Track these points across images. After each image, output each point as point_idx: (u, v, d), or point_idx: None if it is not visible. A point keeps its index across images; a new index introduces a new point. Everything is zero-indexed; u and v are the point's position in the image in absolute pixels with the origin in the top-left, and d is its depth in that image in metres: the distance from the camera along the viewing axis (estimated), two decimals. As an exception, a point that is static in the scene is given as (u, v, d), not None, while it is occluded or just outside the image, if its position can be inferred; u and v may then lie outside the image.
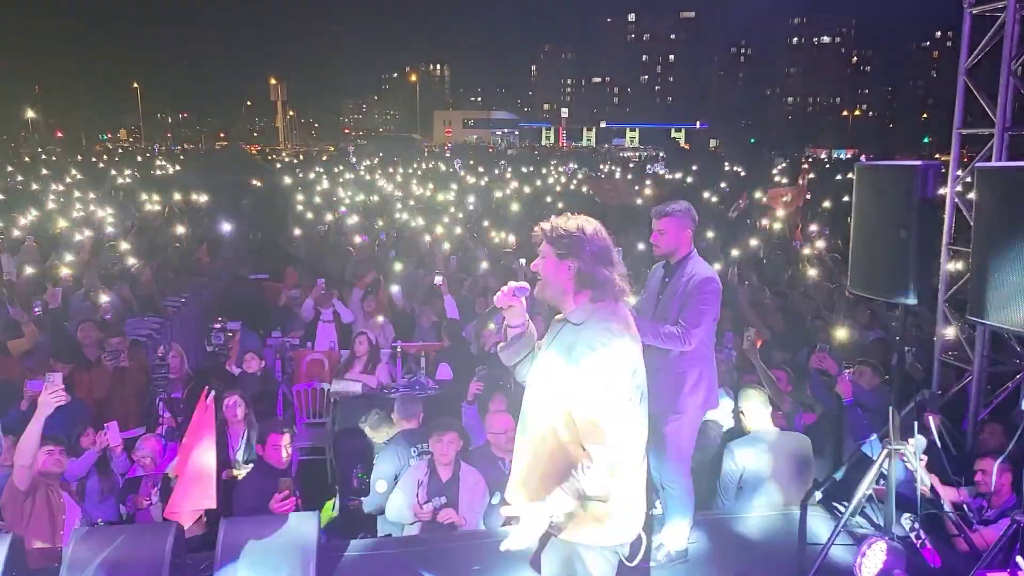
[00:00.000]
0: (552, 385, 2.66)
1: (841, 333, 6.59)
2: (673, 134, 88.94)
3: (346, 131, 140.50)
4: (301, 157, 51.73)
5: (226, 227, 13.86)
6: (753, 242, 11.99)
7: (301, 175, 28.70)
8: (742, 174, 31.93)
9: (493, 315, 2.80)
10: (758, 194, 16.91)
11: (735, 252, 10.62)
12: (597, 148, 79.33)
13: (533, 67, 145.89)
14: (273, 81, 78.45)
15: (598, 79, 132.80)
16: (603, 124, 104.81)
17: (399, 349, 8.14)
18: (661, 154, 55.02)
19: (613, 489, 2.58)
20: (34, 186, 22.24)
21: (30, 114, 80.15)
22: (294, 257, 12.28)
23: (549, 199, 20.07)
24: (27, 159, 41.54)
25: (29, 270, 9.29)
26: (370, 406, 6.54)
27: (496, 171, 33.37)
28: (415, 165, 39.21)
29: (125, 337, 6.62)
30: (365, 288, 9.25)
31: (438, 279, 9.04)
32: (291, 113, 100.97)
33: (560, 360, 2.63)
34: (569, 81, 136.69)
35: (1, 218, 13.92)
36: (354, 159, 45.60)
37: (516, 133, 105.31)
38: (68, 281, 8.71)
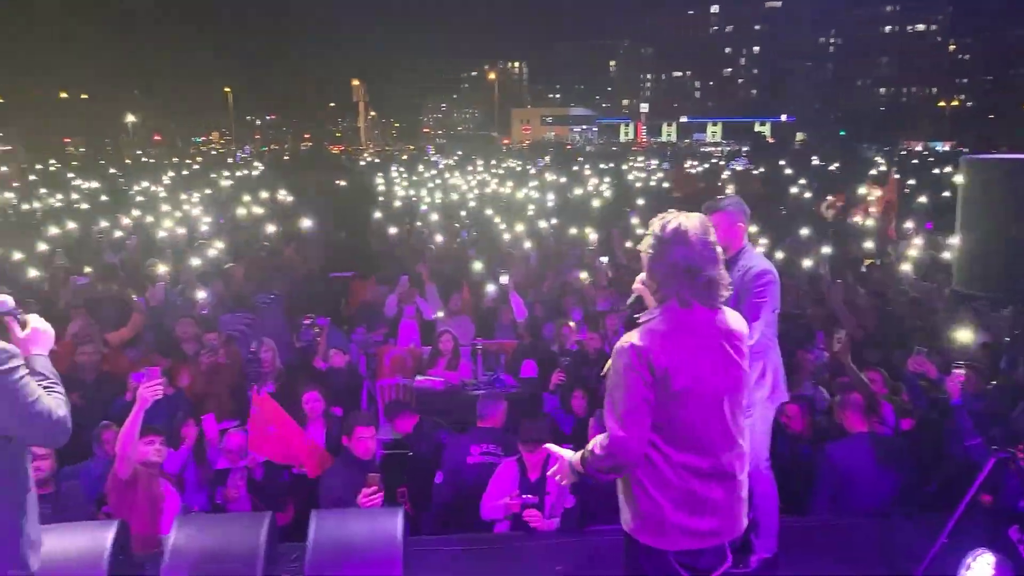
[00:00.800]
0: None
1: (964, 335, 6.17)
2: (757, 128, 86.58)
3: (426, 130, 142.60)
4: (379, 159, 52.79)
5: (312, 226, 14.26)
6: (862, 242, 11.61)
7: (382, 175, 29.25)
8: (831, 168, 30.87)
9: (636, 304, 2.77)
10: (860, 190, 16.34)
11: (826, 250, 10.28)
12: (677, 143, 78.11)
13: (612, 63, 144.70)
14: (355, 83, 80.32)
15: (679, 73, 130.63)
16: (683, 119, 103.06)
17: (479, 347, 8.21)
18: (744, 148, 53.71)
19: (610, 471, 2.62)
20: (135, 187, 23.37)
21: (131, 118, 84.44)
22: (377, 255, 12.55)
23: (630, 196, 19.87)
24: (128, 161, 43.71)
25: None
26: (451, 402, 6.63)
27: (575, 167, 33.22)
28: (494, 163, 39.46)
29: (220, 332, 6.88)
30: (446, 286, 9.38)
31: (504, 278, 9.02)
32: (372, 114, 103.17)
33: None
34: (649, 76, 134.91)
35: (106, 218, 14.69)
36: (434, 158, 46.25)
37: (594, 129, 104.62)
38: (166, 278, 9.11)
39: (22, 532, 2.51)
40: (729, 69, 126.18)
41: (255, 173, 30.93)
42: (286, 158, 47.71)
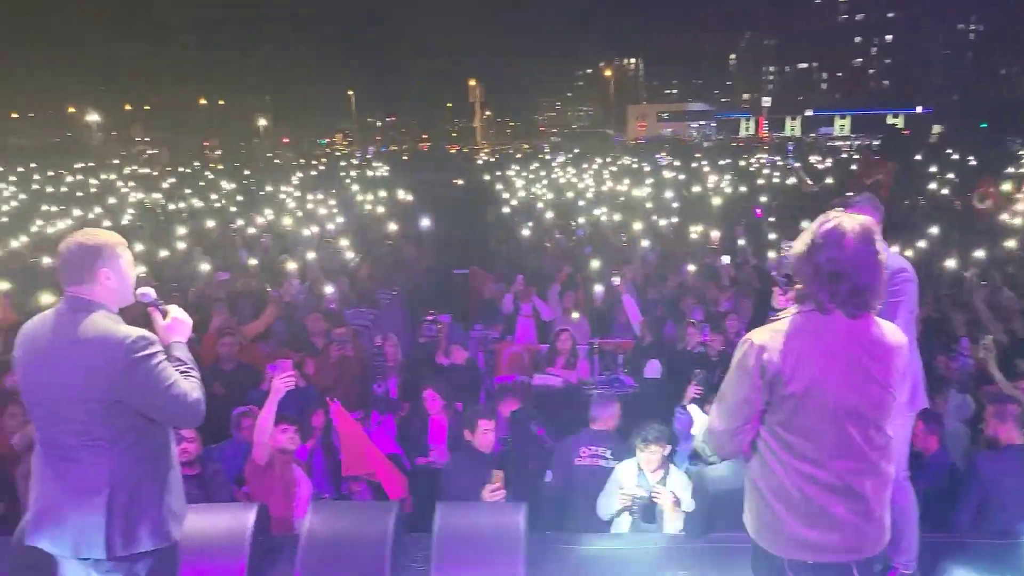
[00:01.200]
0: None
1: None
2: (890, 120, 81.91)
3: (541, 128, 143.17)
4: (497, 156, 53.43)
5: (430, 224, 14.63)
6: (1010, 243, 10.81)
7: (499, 173, 29.61)
8: (971, 162, 28.82)
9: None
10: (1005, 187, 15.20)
11: (979, 253, 9.61)
12: (802, 138, 74.96)
13: (732, 56, 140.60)
14: (472, 83, 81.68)
15: (804, 64, 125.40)
16: (809, 112, 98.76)
17: (596, 346, 8.18)
18: (875, 142, 50.92)
19: (713, 450, 2.64)
20: (267, 188, 24.65)
21: (262, 122, 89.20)
22: (494, 253, 12.73)
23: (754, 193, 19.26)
24: (259, 163, 46.16)
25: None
26: (569, 401, 6.63)
27: (693, 164, 32.51)
28: (609, 160, 39.17)
29: (348, 327, 7.16)
30: (561, 284, 9.40)
31: (616, 279, 8.87)
32: (487, 113, 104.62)
33: None
34: (771, 68, 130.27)
35: (241, 217, 15.58)
36: (549, 156, 46.40)
37: (712, 125, 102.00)
38: (296, 275, 9.57)
39: (165, 505, 2.69)
40: (859, 59, 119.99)
41: (378, 173, 31.97)
42: (404, 158, 49.00)
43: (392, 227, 14.04)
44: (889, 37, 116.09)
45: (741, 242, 11.35)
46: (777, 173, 27.33)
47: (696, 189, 20.93)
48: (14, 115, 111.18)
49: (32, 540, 2.75)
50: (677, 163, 33.23)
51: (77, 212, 17.22)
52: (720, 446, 2.62)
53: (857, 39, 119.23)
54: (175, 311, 2.92)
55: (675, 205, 17.43)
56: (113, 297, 2.73)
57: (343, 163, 41.69)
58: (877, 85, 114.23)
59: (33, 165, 38.57)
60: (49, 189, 27.60)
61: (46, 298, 7.79)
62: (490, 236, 13.89)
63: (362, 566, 3.81)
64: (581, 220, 15.47)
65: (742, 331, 7.41)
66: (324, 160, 48.25)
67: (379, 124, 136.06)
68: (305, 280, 9.67)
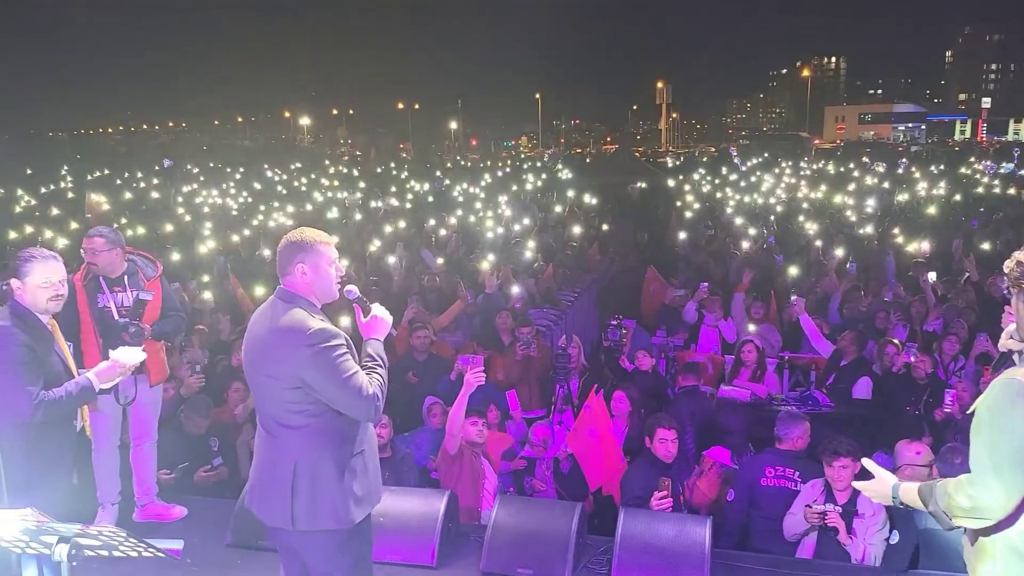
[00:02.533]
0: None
1: None
2: None
3: (729, 131, 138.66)
4: (682, 159, 52.32)
5: (614, 227, 14.62)
6: None
7: (683, 176, 29.02)
8: None
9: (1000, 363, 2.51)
10: None
11: None
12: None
13: (948, 53, 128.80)
14: (660, 84, 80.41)
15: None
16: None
17: (785, 360, 7.80)
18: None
19: (966, 521, 2.27)
20: (456, 189, 25.70)
21: (452, 125, 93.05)
22: (680, 258, 12.49)
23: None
24: (448, 165, 48.23)
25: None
26: (755, 416, 6.37)
27: (899, 170, 30.12)
28: (804, 164, 37.17)
29: (533, 327, 7.33)
30: (745, 293, 9.06)
31: (793, 297, 8.16)
32: (674, 115, 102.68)
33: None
34: (994, 67, 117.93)
35: (433, 216, 16.35)
36: (737, 159, 44.81)
37: (922, 127, 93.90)
38: (488, 274, 9.90)
39: (346, 488, 2.84)
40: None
41: (561, 175, 32.41)
42: (588, 160, 49.21)
43: (576, 230, 14.16)
44: None
45: (958, 256, 10.31)
46: (997, 182, 24.68)
47: (902, 197, 19.38)
48: (239, 119, 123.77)
49: (247, 503, 3.08)
50: (880, 168, 30.90)
51: (290, 208, 18.84)
52: (991, 508, 2.21)
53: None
54: (377, 309, 3.06)
55: (871, 212, 16.21)
56: (312, 291, 2.91)
57: (526, 165, 42.58)
58: None
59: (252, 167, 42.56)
60: (264, 187, 30.37)
61: (259, 289, 8.66)
62: (673, 241, 13.63)
63: (545, 562, 3.91)
64: (773, 226, 14.82)
65: (963, 360, 6.79)
66: (509, 162, 49.55)
67: (563, 127, 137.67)
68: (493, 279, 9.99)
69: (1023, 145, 59.06)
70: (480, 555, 4.04)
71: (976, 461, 2.25)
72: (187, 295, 8.69)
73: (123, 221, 15.88)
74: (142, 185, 29.95)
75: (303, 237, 2.92)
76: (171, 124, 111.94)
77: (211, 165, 45.74)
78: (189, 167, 41.10)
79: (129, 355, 3.53)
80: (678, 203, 18.90)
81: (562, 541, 3.91)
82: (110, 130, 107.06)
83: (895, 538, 4.13)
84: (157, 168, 37.90)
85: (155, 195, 24.17)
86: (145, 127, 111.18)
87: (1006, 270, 2.36)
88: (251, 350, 2.93)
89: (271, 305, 2.93)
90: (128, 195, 24.42)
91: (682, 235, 13.47)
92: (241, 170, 38.34)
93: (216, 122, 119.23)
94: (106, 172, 38.14)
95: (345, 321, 5.15)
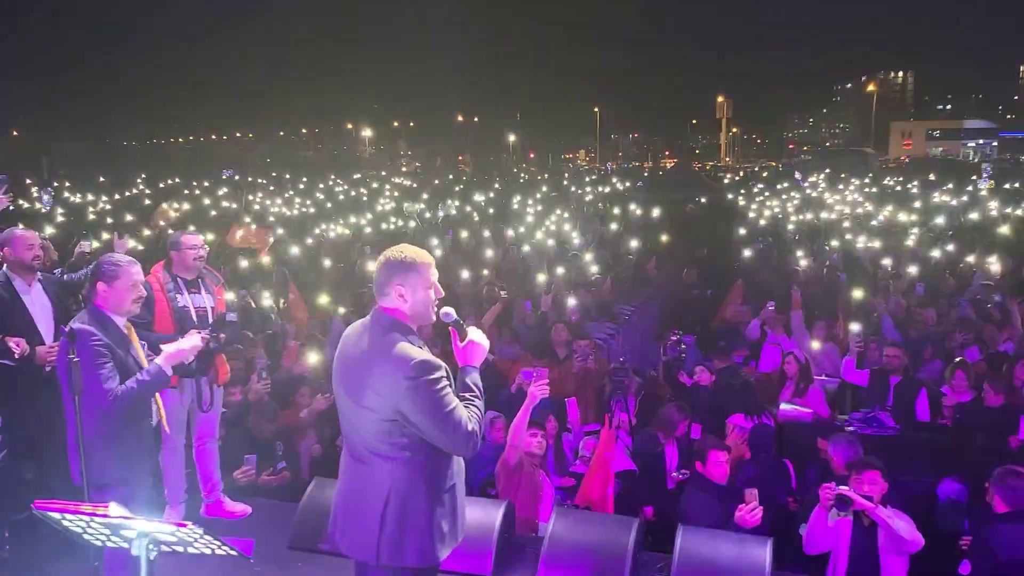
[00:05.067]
0: None
1: None
2: None
3: (790, 146, 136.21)
4: (742, 174, 51.61)
5: (673, 241, 14.47)
6: None
7: (743, 192, 28.61)
8: None
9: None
10: None
11: None
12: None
13: (1022, 67, 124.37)
14: (720, 99, 79.66)
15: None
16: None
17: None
18: None
19: None
20: (515, 201, 25.81)
21: (511, 138, 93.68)
22: (740, 274, 12.30)
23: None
24: (506, 178, 48.51)
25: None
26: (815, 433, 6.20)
27: (969, 187, 29.15)
28: (868, 181, 36.29)
29: (591, 339, 7.32)
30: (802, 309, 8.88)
31: (855, 327, 7.66)
32: (734, 130, 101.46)
33: None
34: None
35: (490, 228, 16.45)
36: (798, 175, 44.00)
37: (994, 144, 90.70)
38: (543, 286, 9.92)
39: (435, 524, 2.74)
40: None
41: (620, 188, 32.29)
42: (645, 175, 48.97)
43: (634, 243, 14.09)
44: None
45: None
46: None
47: (974, 216, 18.73)
48: (303, 130, 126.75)
49: (330, 529, 2.94)
50: (949, 185, 29.97)
51: (352, 219, 19.18)
52: None
53: None
54: (474, 334, 2.91)
55: (944, 231, 15.73)
56: (409, 313, 2.80)
57: (585, 179, 42.53)
58: None
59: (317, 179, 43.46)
60: (327, 196, 30.98)
61: (323, 299, 8.85)
62: (736, 257, 13.43)
63: (602, 575, 3.89)
64: (835, 243, 14.48)
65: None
66: (567, 175, 49.55)
67: (621, 141, 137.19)
68: (550, 292, 10.00)
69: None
70: (536, 566, 4.04)
71: None
72: (252, 301, 8.91)
73: (191, 229, 16.40)
74: (202, 194, 30.86)
75: (404, 256, 2.79)
76: (238, 135, 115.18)
77: (273, 174, 46.93)
78: (251, 178, 42.25)
79: (188, 340, 3.85)
80: (738, 218, 18.64)
81: (619, 555, 3.89)
82: (180, 140, 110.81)
83: (966, 569, 4.00)
84: (224, 177, 39.06)
85: (225, 204, 24.82)
86: (214, 137, 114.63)
87: None
88: (345, 375, 2.82)
89: (367, 328, 2.82)
90: (198, 203, 25.18)
91: (745, 252, 13.25)
92: (304, 180, 39.20)
93: (281, 133, 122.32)
94: (176, 180, 39.40)
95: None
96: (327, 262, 11.86)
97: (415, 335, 2.81)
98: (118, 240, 7.27)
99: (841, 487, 4.19)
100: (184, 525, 2.11)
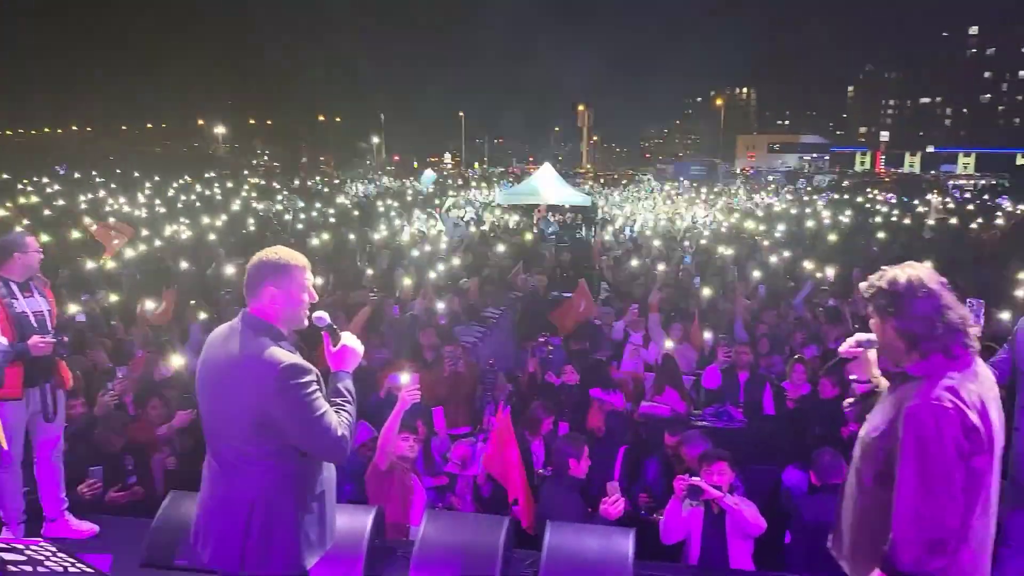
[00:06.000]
0: (876, 439, 2.51)
1: None
2: (1020, 160, 77.14)
3: (646, 156, 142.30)
4: (602, 180, 53.41)
5: (537, 246, 14.80)
6: None
7: (604, 199, 29.66)
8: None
9: (838, 367, 2.82)
10: None
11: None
12: (922, 175, 71.54)
13: (850, 88, 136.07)
14: (581, 108, 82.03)
15: (927, 99, 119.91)
16: (930, 149, 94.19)
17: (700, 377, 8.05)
18: (1003, 182, 48.07)
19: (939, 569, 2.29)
20: (380, 206, 25.50)
21: (375, 140, 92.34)
22: (597, 276, 12.73)
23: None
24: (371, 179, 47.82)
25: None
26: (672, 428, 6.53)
27: (804, 196, 31.58)
28: (715, 190, 38.60)
29: (459, 344, 7.34)
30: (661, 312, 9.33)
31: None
32: (595, 138, 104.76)
33: (891, 413, 2.47)
34: (892, 102, 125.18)
35: (355, 232, 16.19)
36: (655, 184, 46.07)
37: (826, 158, 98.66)
38: (410, 290, 9.89)
39: (302, 531, 2.68)
40: (988, 95, 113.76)
41: (486, 193, 32.57)
42: (510, 180, 49.66)
43: (500, 248, 14.28)
44: (1022, 73, 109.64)
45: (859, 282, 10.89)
46: (896, 211, 26.20)
47: (810, 224, 20.32)
48: (148, 125, 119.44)
49: (192, 540, 2.81)
50: (789, 197, 32.37)
51: (205, 220, 18.30)
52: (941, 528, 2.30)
53: (987, 74, 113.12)
54: (348, 339, 2.86)
55: (783, 238, 16.98)
56: (280, 317, 2.72)
57: (449, 182, 42.66)
58: (1007, 123, 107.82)
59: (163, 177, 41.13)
60: (180, 196, 29.40)
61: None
62: (595, 261, 13.89)
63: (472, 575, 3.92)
64: (687, 245, 15.30)
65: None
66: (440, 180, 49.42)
67: (486, 146, 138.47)
68: (418, 296, 9.97)
69: (917, 178, 62.78)
70: (407, 570, 4.01)
71: (913, 493, 2.37)
72: (96, 306, 8.36)
73: (19, 228, 15.11)
74: (34, 191, 28.49)
75: (278, 258, 2.73)
76: (75, 128, 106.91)
77: (118, 172, 44.00)
78: (95, 174, 39.44)
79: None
80: (598, 224, 19.31)
81: (490, 554, 3.93)
82: (8, 132, 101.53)
83: (788, 538, 4.38)
84: (63, 173, 36.20)
85: (60, 202, 23.02)
86: (47, 130, 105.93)
87: (864, 293, 2.60)
88: (210, 380, 2.73)
89: (234, 331, 2.72)
90: (26, 200, 23.21)
91: (604, 257, 13.73)
92: (156, 178, 36.99)
93: (124, 128, 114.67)
94: (3, 176, 36.14)
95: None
96: (181, 264, 11.27)
97: (286, 340, 2.74)
98: None
99: (693, 478, 4.45)
100: (36, 542, 1.95)
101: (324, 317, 2.84)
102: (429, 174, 41.38)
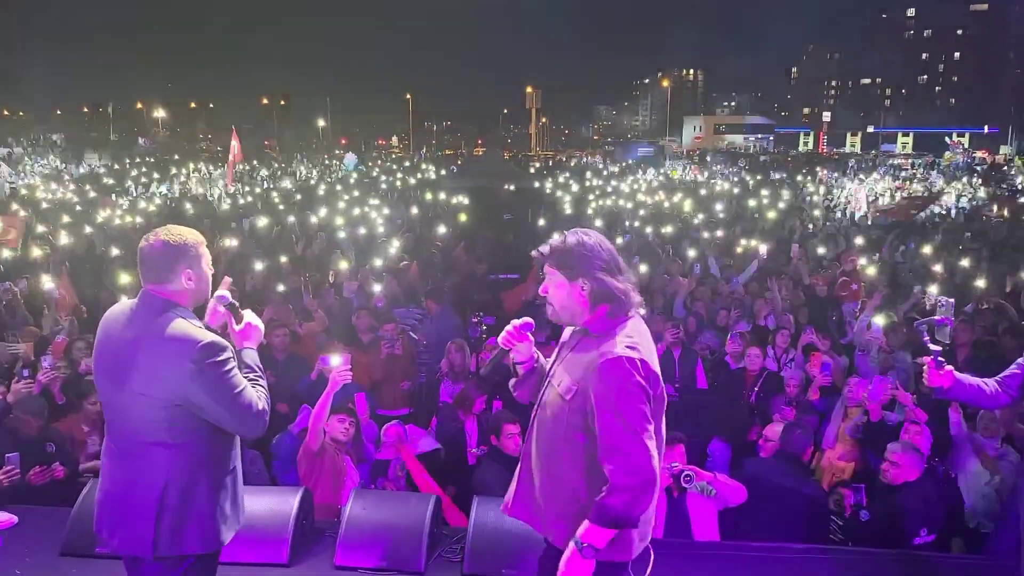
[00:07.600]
0: (568, 400, 2.60)
1: None
2: (955, 139, 79.73)
3: (595, 137, 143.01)
4: (550, 163, 53.52)
5: (481, 228, 14.75)
6: None
7: (551, 180, 29.71)
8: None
9: (500, 358, 2.91)
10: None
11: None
12: (863, 154, 73.35)
13: (794, 69, 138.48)
14: (529, 90, 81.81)
15: (867, 80, 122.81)
16: (871, 129, 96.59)
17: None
18: (938, 160, 49.62)
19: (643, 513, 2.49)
20: (322, 187, 25.15)
21: (321, 123, 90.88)
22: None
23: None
24: (320, 163, 47.06)
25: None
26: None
27: (748, 178, 32.12)
28: (660, 171, 39.02)
29: (396, 325, 7.32)
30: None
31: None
32: (543, 120, 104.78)
33: (578, 373, 2.59)
34: (834, 83, 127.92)
35: (297, 215, 15.94)
36: (601, 165, 46.36)
37: (770, 138, 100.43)
38: (347, 274, 9.78)
39: (218, 508, 2.68)
40: (925, 76, 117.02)
41: (430, 176, 32.38)
42: (459, 163, 49.47)
43: (442, 230, 14.21)
44: (957, 55, 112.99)
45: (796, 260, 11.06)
46: (837, 190, 26.85)
47: (752, 203, 20.69)
48: (85, 108, 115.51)
49: (96, 528, 2.78)
50: (736, 178, 32.90)
51: (141, 205, 17.84)
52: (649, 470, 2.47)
53: (924, 55, 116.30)
54: (250, 316, 2.88)
55: (724, 217, 17.29)
56: (191, 297, 2.72)
57: (395, 166, 42.26)
58: (943, 103, 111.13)
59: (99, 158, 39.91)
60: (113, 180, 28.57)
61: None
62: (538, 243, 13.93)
63: (399, 554, 3.95)
64: (627, 226, 15.44)
65: (793, 351, 7.36)
66: (380, 162, 48.96)
67: (435, 128, 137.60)
68: (356, 278, 9.88)
69: (858, 157, 64.32)
70: (335, 550, 4.02)
71: (623, 440, 2.50)
72: (18, 294, 8.11)
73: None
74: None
75: (184, 239, 2.68)
76: (6, 112, 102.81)
77: (51, 156, 42.52)
78: (28, 158, 38.08)
79: None
80: (544, 205, 19.35)
81: (416, 531, 3.97)
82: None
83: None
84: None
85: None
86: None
87: (542, 255, 2.73)
88: (111, 362, 2.65)
89: (134, 312, 2.66)
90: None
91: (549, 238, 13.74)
92: (93, 163, 35.83)
93: (59, 112, 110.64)
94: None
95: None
96: (113, 251, 10.96)
97: (195, 317, 2.72)
98: None
99: (679, 466, 4.49)
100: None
101: (226, 296, 2.85)
102: (351, 157, 40.91)
